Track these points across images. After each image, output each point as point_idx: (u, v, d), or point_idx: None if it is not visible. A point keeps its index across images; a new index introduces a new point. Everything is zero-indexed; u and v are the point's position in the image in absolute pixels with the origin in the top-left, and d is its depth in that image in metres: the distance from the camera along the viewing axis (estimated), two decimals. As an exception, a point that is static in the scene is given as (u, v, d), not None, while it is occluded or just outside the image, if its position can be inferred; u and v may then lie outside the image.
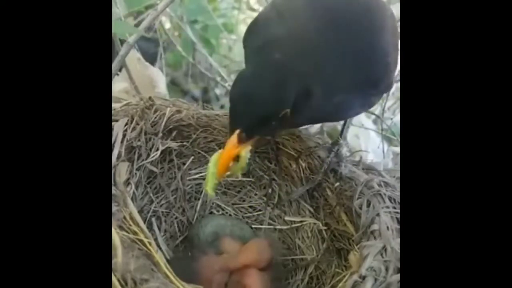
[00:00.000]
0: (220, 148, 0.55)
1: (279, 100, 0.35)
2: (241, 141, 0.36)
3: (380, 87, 0.42)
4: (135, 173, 0.45)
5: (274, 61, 0.35)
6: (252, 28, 0.43)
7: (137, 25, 0.73)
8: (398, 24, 0.42)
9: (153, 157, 0.47)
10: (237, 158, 0.37)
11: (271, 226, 0.55)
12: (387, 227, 0.38)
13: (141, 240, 0.34)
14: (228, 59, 1.16)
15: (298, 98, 0.35)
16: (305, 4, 0.40)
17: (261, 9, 0.49)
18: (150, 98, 0.50)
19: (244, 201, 0.57)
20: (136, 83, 0.66)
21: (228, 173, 0.39)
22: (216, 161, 0.39)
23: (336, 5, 0.39)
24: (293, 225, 0.53)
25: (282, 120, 0.36)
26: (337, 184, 0.48)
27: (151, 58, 0.87)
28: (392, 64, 0.41)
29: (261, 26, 0.42)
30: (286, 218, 0.54)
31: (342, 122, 0.55)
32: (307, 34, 0.37)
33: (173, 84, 1.08)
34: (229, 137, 0.36)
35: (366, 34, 0.38)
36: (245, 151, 0.37)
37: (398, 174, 0.47)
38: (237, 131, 0.35)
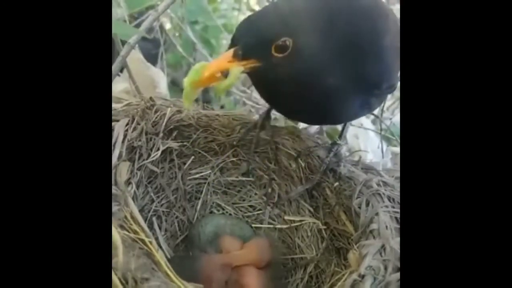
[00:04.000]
0: (220, 148, 0.56)
1: (282, 24, 0.36)
2: (236, 57, 0.36)
3: (381, 87, 0.42)
4: (136, 173, 0.45)
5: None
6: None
7: (137, 26, 0.73)
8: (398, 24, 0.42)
9: (153, 157, 0.48)
10: (225, 75, 0.36)
11: (271, 226, 0.55)
12: (386, 226, 0.38)
13: (142, 239, 0.34)
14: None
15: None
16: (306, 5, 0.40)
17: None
18: (151, 98, 0.50)
19: (244, 200, 0.57)
20: (137, 83, 0.66)
21: (212, 85, 0.37)
22: (199, 69, 0.36)
23: (338, 6, 0.39)
24: (293, 225, 0.53)
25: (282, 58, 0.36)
26: (337, 183, 0.48)
27: (152, 59, 0.87)
28: (394, 66, 0.42)
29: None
30: (286, 217, 0.54)
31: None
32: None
33: (173, 84, 1.08)
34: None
35: (368, 36, 0.39)
36: (237, 69, 0.36)
37: (397, 174, 0.47)
38: (235, 48, 0.36)
